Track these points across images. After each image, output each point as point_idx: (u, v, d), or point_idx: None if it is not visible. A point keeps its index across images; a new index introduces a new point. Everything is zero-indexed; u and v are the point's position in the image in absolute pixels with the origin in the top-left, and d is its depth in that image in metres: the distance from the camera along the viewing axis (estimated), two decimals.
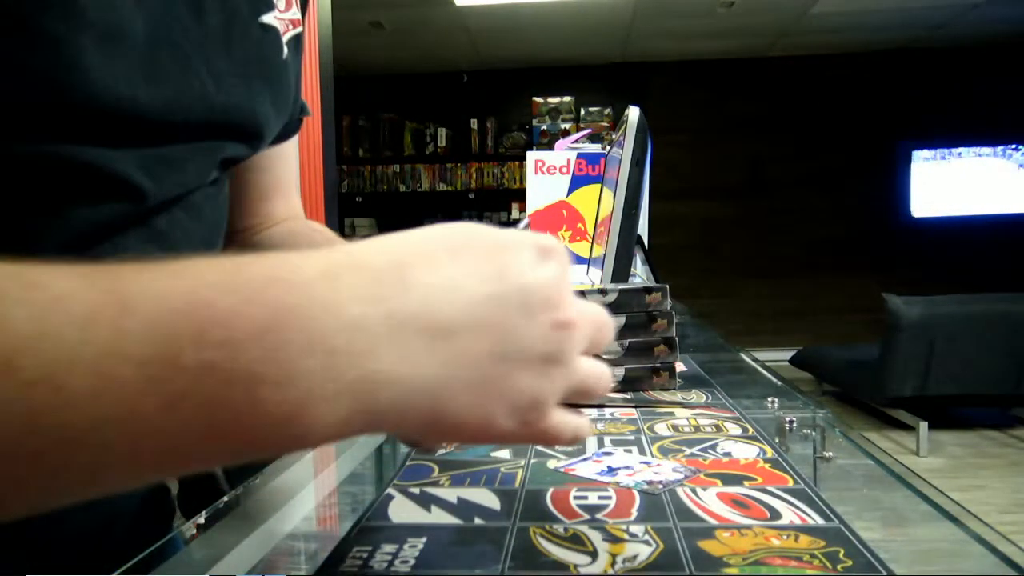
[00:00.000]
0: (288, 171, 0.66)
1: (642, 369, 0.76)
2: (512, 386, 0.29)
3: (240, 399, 0.23)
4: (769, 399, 0.71)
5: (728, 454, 0.55)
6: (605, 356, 0.76)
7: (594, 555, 0.38)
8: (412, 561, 0.38)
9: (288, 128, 0.60)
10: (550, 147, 2.01)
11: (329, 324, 0.25)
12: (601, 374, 0.33)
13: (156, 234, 0.44)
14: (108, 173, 0.39)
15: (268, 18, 0.49)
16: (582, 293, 0.76)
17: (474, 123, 5.89)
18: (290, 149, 0.66)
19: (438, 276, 0.28)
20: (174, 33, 0.41)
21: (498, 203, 5.89)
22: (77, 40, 0.35)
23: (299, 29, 0.53)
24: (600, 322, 0.33)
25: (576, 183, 1.74)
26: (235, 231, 0.63)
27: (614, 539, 0.40)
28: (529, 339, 0.29)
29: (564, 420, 0.32)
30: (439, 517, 0.44)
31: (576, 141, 1.87)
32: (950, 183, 5.73)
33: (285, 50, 0.51)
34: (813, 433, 0.62)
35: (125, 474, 0.24)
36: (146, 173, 0.41)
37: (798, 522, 0.41)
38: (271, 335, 0.24)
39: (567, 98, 5.55)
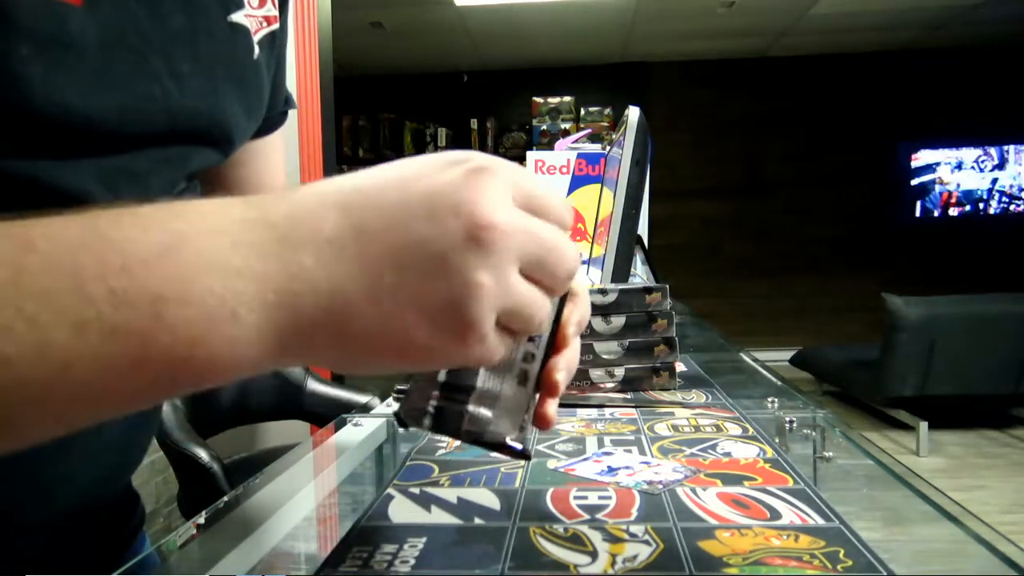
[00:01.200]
0: (271, 167, 0.64)
1: (642, 369, 0.76)
2: (421, 291, 0.27)
3: (146, 322, 0.24)
4: (769, 399, 0.71)
5: (728, 454, 0.55)
6: (605, 356, 0.76)
7: (594, 555, 0.38)
8: (412, 561, 0.38)
9: (271, 122, 0.58)
10: (550, 147, 2.01)
11: (223, 243, 0.26)
12: (536, 301, 0.30)
13: None
14: (63, 190, 0.38)
15: (237, 16, 0.47)
16: None
17: (474, 123, 5.89)
18: (275, 144, 0.63)
19: (331, 187, 0.29)
20: (130, 36, 0.39)
21: None
22: (15, 50, 0.33)
23: (274, 27, 0.52)
24: (541, 238, 0.29)
25: (576, 183, 1.73)
26: None
27: (614, 539, 0.40)
28: (436, 244, 0.27)
29: (497, 340, 0.29)
30: (439, 517, 0.44)
31: (576, 141, 1.87)
32: (950, 183, 5.73)
33: (256, 49, 0.49)
34: (813, 433, 0.62)
35: (42, 415, 0.25)
36: (106, 187, 0.40)
37: (798, 522, 0.41)
38: (169, 257, 0.25)
39: (567, 98, 5.55)
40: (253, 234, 0.27)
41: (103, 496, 0.50)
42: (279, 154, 0.65)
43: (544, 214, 0.30)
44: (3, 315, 0.23)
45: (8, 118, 0.35)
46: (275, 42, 0.53)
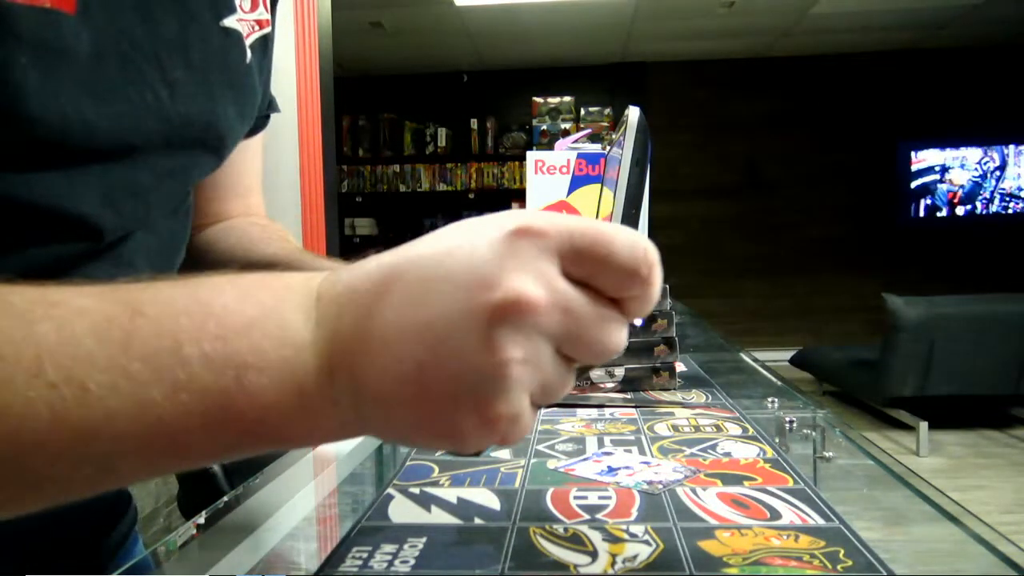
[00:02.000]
0: (249, 168, 0.64)
1: (642, 369, 0.76)
2: (452, 374, 0.25)
3: (231, 385, 0.26)
4: (769, 399, 0.71)
5: (728, 454, 0.55)
6: None
7: (594, 555, 0.38)
8: (412, 561, 0.38)
9: (256, 125, 0.59)
10: (550, 147, 2.01)
11: (300, 320, 0.27)
12: (566, 381, 0.28)
13: (115, 258, 0.44)
14: (63, 208, 0.38)
15: (230, 21, 0.48)
16: None
17: (474, 123, 5.89)
18: (254, 146, 0.64)
19: (387, 259, 0.28)
20: (122, 45, 0.39)
21: (498, 203, 5.89)
22: (15, 58, 0.33)
23: (266, 30, 0.52)
24: (579, 315, 0.26)
25: (576, 183, 1.73)
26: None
27: (614, 539, 0.40)
28: (466, 323, 0.25)
29: (529, 417, 0.27)
30: (439, 517, 0.44)
31: (576, 141, 1.87)
32: (950, 183, 5.73)
33: (249, 53, 0.49)
34: (813, 433, 0.62)
35: (136, 465, 0.27)
36: (107, 203, 0.40)
37: (798, 522, 0.41)
38: (256, 328, 0.26)
39: (567, 98, 5.55)
40: (322, 311, 0.28)
41: (93, 498, 0.50)
42: (258, 158, 0.66)
43: (602, 271, 0.27)
44: (112, 373, 0.24)
45: (7, 128, 0.34)
46: (267, 45, 0.53)
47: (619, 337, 0.28)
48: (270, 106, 0.61)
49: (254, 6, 0.50)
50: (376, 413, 0.27)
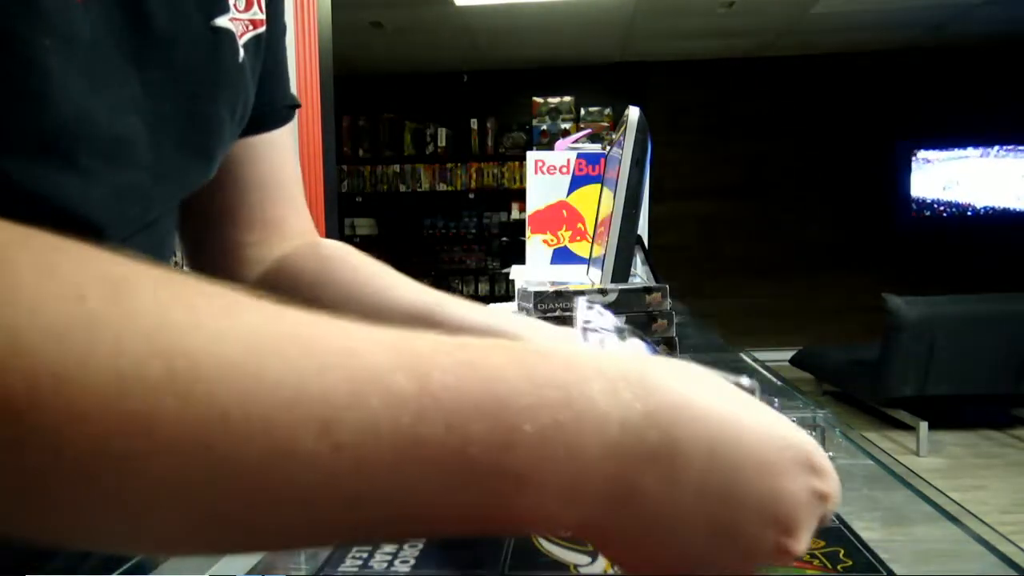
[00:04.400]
0: (286, 164, 0.62)
1: None
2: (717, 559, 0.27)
3: (509, 494, 0.24)
4: (769, 399, 0.71)
5: None
6: None
7: (594, 555, 0.38)
8: (412, 561, 0.38)
9: (270, 117, 0.58)
10: (550, 147, 2.01)
11: (593, 440, 0.25)
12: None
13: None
14: (71, 207, 0.37)
15: (222, 21, 0.47)
16: (581, 293, 0.76)
17: (474, 123, 5.89)
18: (281, 142, 0.61)
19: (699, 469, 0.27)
20: (113, 39, 0.39)
21: (498, 203, 5.89)
22: (39, 40, 0.33)
23: (260, 30, 0.51)
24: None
25: (576, 183, 1.73)
26: (232, 244, 0.59)
27: None
28: (748, 540, 0.27)
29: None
30: None
31: (576, 141, 1.87)
32: (950, 183, 5.73)
33: (242, 53, 0.49)
34: (813, 433, 0.62)
35: (385, 535, 0.27)
36: (113, 205, 0.40)
37: None
38: (547, 443, 0.24)
39: (567, 98, 5.55)
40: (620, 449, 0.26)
41: None
42: (287, 152, 0.63)
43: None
44: (394, 453, 0.23)
45: (27, 113, 0.34)
46: (260, 45, 0.53)
47: None
48: (287, 99, 0.60)
49: (248, 6, 0.50)
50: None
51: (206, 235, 0.60)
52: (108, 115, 0.38)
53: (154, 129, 0.42)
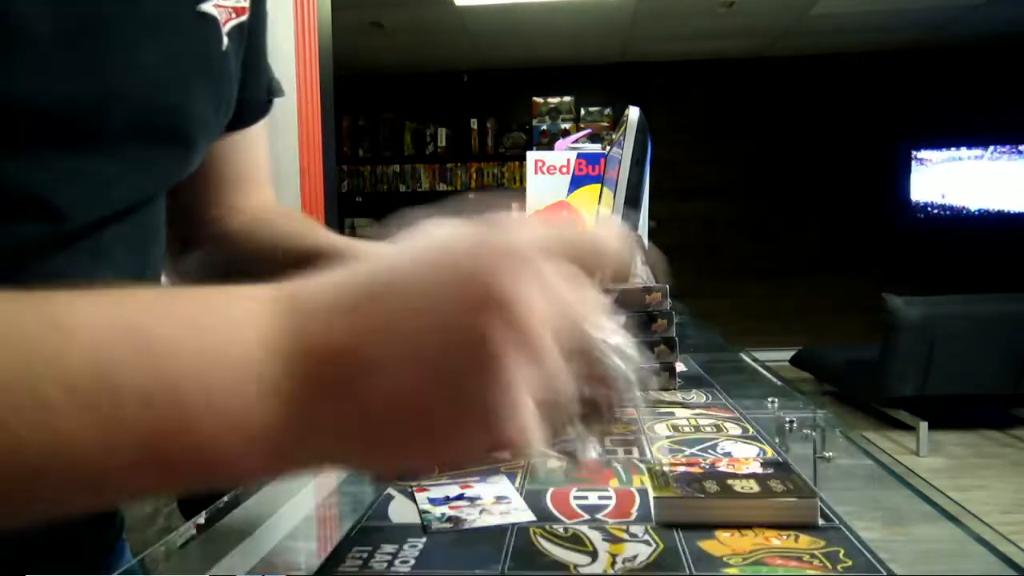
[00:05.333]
0: (259, 157, 0.62)
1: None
2: (441, 365, 0.24)
3: (174, 421, 0.24)
4: (769, 399, 0.71)
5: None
6: None
7: (594, 555, 0.38)
8: (412, 561, 0.38)
9: (252, 111, 0.58)
10: (550, 147, 2.01)
11: (244, 352, 0.25)
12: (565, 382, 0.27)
13: (91, 249, 0.42)
14: (19, 189, 0.36)
15: (207, 7, 0.46)
16: None
17: (474, 123, 5.89)
18: (257, 137, 0.61)
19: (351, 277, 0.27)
20: (91, 25, 0.37)
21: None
22: None
23: (243, 18, 0.51)
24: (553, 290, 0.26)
25: (576, 183, 1.73)
26: (201, 220, 0.60)
27: (614, 539, 0.40)
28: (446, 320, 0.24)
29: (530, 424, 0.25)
30: None
31: (576, 141, 1.87)
32: (950, 183, 5.73)
33: (225, 40, 0.48)
34: (813, 433, 0.62)
35: (87, 498, 0.25)
36: (63, 190, 0.39)
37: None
38: (199, 359, 0.24)
39: (567, 98, 5.55)
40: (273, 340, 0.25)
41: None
42: (262, 147, 0.63)
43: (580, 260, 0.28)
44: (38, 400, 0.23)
45: None
46: (243, 33, 0.52)
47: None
48: (271, 91, 0.60)
49: None
50: (356, 437, 0.25)
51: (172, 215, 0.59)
52: (67, 102, 0.37)
53: (134, 117, 0.41)
